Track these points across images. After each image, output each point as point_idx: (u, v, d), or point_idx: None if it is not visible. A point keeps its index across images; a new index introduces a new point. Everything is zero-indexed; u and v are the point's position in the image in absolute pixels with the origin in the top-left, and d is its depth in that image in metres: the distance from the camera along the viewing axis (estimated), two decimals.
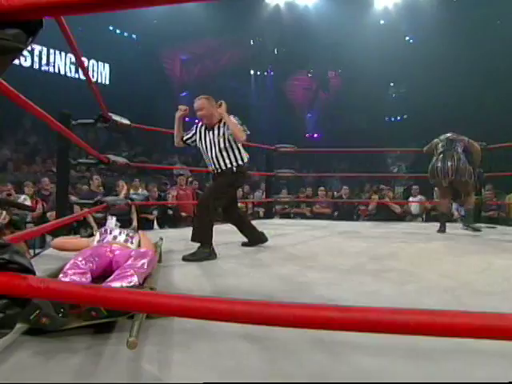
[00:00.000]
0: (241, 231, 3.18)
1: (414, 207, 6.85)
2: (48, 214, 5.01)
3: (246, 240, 3.21)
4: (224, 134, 2.85)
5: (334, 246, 3.34)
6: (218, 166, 2.88)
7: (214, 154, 2.87)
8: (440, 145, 4.23)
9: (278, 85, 16.36)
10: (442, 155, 4.15)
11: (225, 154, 2.85)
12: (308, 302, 1.78)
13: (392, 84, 15.35)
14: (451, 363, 1.18)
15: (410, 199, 7.01)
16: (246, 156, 2.94)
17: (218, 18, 13.21)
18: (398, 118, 15.38)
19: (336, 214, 6.85)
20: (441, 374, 1.12)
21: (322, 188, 7.16)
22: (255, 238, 3.19)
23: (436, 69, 12.01)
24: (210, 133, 2.88)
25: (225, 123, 2.86)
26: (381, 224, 5.36)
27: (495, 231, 4.61)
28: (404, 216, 6.59)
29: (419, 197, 6.90)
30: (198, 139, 2.98)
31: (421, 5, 13.02)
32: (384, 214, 6.16)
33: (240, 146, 2.91)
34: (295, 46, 14.62)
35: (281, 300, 1.71)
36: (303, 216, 6.95)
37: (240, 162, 2.88)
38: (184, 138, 3.07)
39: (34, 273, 0.61)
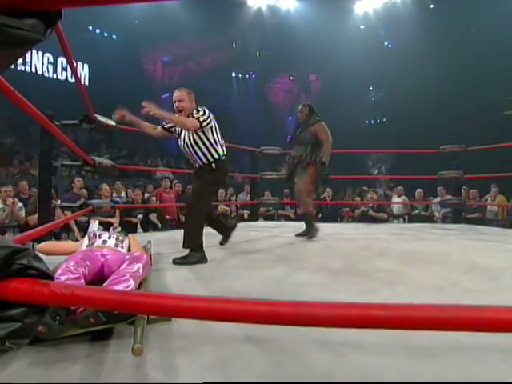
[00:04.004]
0: (212, 227, 3.16)
1: (396, 208, 6.98)
2: (28, 218, 4.85)
3: (220, 237, 3.24)
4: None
5: (322, 248, 3.35)
6: (197, 160, 2.81)
7: (189, 149, 2.79)
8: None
9: (260, 87, 16.40)
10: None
11: (197, 149, 2.76)
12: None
13: (371, 88, 15.63)
14: (452, 360, 1.20)
15: (394, 199, 7.13)
16: (221, 150, 2.81)
17: (199, 20, 13.14)
18: (378, 121, 15.67)
19: (320, 215, 6.90)
20: (442, 371, 1.14)
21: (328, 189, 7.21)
22: (227, 229, 3.23)
23: (414, 73, 12.31)
24: (184, 130, 2.80)
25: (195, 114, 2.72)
26: (365, 225, 5.43)
27: (474, 231, 4.74)
28: (387, 217, 6.70)
29: (403, 197, 7.03)
30: (178, 138, 2.88)
31: (399, 11, 13.33)
32: (368, 218, 6.26)
33: (212, 139, 2.76)
34: (277, 49, 14.70)
35: None
36: (287, 218, 6.97)
37: (216, 156, 2.77)
38: (166, 126, 2.89)
39: (52, 278, 0.58)
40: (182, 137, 2.83)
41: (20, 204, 4.91)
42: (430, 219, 6.53)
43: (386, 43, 14.63)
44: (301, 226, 5.26)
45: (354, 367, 1.15)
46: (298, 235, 3.87)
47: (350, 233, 4.53)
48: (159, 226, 5.83)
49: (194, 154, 2.79)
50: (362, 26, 14.33)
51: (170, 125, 2.89)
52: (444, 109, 11.51)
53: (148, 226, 5.83)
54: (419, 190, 6.94)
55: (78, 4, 0.58)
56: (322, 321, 0.58)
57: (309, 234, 3.78)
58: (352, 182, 9.61)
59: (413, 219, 6.57)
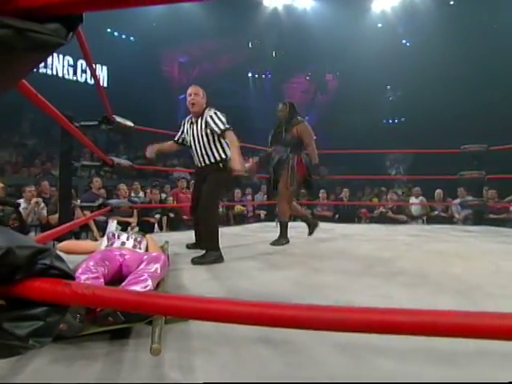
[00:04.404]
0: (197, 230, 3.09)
1: (415, 209, 6.86)
2: (49, 218, 4.96)
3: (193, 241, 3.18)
4: (207, 126, 2.78)
5: (340, 249, 3.32)
6: (202, 160, 2.83)
7: (198, 147, 2.83)
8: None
9: (276, 87, 16.37)
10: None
11: (208, 146, 2.79)
12: (322, 304, 1.76)
13: (389, 87, 15.41)
14: (476, 367, 1.16)
15: (412, 200, 7.01)
16: (229, 150, 2.82)
17: (216, 21, 13.22)
18: (395, 120, 15.44)
19: (337, 216, 6.84)
20: (467, 379, 1.10)
21: (322, 190, 7.15)
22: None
23: (432, 72, 12.08)
24: (194, 126, 2.85)
25: (208, 112, 2.79)
26: (383, 226, 5.36)
27: (497, 234, 4.61)
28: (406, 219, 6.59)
29: (421, 197, 6.91)
30: (185, 134, 2.97)
31: (418, 8, 13.11)
32: (387, 219, 6.16)
33: (222, 140, 2.81)
34: (293, 49, 14.66)
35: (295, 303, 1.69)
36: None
37: (223, 156, 2.80)
38: (176, 139, 3.08)
39: (73, 278, 0.59)
40: (192, 134, 2.86)
41: (42, 204, 5.03)
42: (449, 221, 6.39)
43: (403, 41, 14.41)
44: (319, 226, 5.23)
45: (373, 371, 1.13)
46: (273, 244, 3.49)
47: (367, 234, 4.47)
48: (176, 225, 5.88)
49: (204, 152, 2.81)
50: (379, 25, 14.16)
51: (181, 138, 3.04)
52: (464, 107, 11.26)
53: (166, 227, 5.89)
54: (439, 191, 6.80)
55: (99, 8, 0.59)
56: (341, 326, 0.57)
57: (277, 242, 3.48)
58: (370, 183, 9.49)
59: (432, 220, 6.44)
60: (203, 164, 2.84)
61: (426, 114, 12.11)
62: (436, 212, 6.78)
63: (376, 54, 13.20)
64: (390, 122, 15.59)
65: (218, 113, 2.80)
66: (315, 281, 2.17)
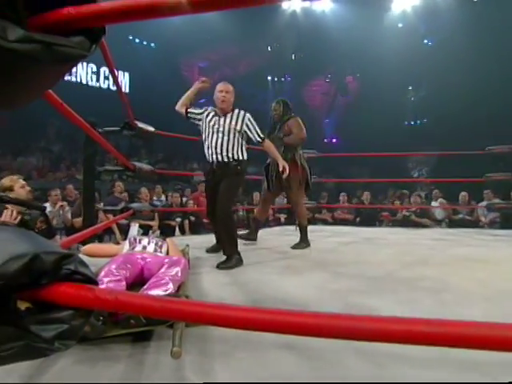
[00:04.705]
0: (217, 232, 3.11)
1: (438, 212, 6.69)
2: (73, 221, 5.09)
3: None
4: (237, 123, 2.77)
5: (362, 253, 3.27)
6: (220, 155, 2.77)
7: (220, 142, 2.76)
8: None
9: (296, 90, 16.34)
10: None
11: (230, 145, 2.76)
12: (342, 310, 1.74)
13: (411, 88, 15.14)
14: (502, 376, 1.12)
15: (432, 203, 6.85)
16: (246, 153, 2.85)
17: (235, 25, 13.33)
18: (418, 121, 15.14)
19: (358, 219, 6.75)
20: None
21: (343, 194, 7.07)
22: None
23: (455, 71, 11.79)
24: (220, 120, 2.79)
25: (239, 113, 2.81)
26: (406, 230, 5.25)
27: None
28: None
29: (440, 200, 6.73)
30: (205, 122, 2.86)
31: (440, 6, 12.83)
32: (410, 223, 6.03)
33: (243, 140, 2.82)
34: (313, 52, 14.61)
35: (316, 309, 1.68)
36: (325, 222, 6.88)
37: (241, 157, 2.79)
38: (189, 110, 2.95)
39: (97, 283, 0.60)
40: (220, 126, 2.78)
41: (67, 207, 5.17)
42: (475, 224, 6.19)
43: (425, 41, 14.14)
44: (339, 230, 5.19)
45: (395, 379, 1.10)
46: (294, 247, 3.45)
47: (389, 238, 4.40)
48: (196, 229, 5.93)
49: (225, 148, 2.76)
50: (400, 25, 13.95)
51: (193, 115, 2.95)
52: (488, 107, 10.94)
53: (187, 230, 5.95)
54: (464, 194, 6.60)
55: (122, 20, 0.61)
56: (364, 335, 0.56)
57: (299, 246, 3.45)
58: (392, 185, 9.33)
59: (456, 224, 6.26)
60: (220, 159, 2.77)
61: (450, 115, 11.82)
62: (460, 215, 6.58)
63: (397, 55, 13.01)
64: (413, 123, 15.31)
65: (252, 119, 2.84)
66: (337, 286, 2.15)
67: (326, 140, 16.57)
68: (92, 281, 0.59)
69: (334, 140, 16.59)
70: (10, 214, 2.11)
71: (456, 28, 11.97)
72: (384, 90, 13.68)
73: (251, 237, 3.62)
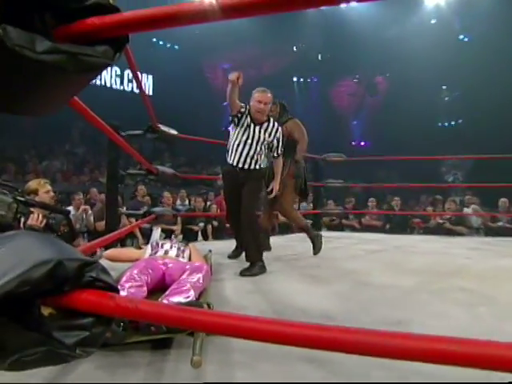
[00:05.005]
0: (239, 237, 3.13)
1: (474, 219, 6.47)
2: (96, 224, 5.24)
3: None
4: (270, 135, 2.85)
5: (391, 262, 3.21)
6: (245, 162, 2.81)
7: (247, 149, 2.82)
8: None
9: (323, 92, 16.27)
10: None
11: (258, 155, 2.84)
12: (370, 322, 1.71)
13: (445, 87, 14.77)
14: None
15: (465, 210, 6.62)
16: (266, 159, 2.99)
17: (259, 25, 13.43)
18: (452, 122, 14.74)
19: (388, 226, 6.62)
20: None
21: (372, 199, 6.96)
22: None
23: (493, 68, 11.41)
24: (253, 128, 2.83)
25: (273, 126, 2.87)
26: (439, 238, 5.11)
27: None
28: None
29: (473, 206, 6.51)
30: (239, 125, 2.84)
31: (476, 0, 12.47)
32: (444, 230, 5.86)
33: (266, 152, 2.93)
34: (340, 51, 14.50)
35: (341, 321, 1.66)
36: (352, 228, 6.79)
37: (262, 165, 2.91)
38: (241, 110, 2.82)
39: (118, 291, 0.62)
40: (250, 133, 2.82)
41: (90, 211, 5.34)
42: None
43: (461, 36, 13.76)
44: (367, 237, 5.11)
45: None
46: (314, 253, 3.38)
47: (421, 246, 4.29)
48: (219, 234, 5.98)
49: (251, 156, 2.82)
50: (433, 21, 13.65)
51: (240, 115, 2.83)
52: None
53: (209, 235, 6.01)
54: (504, 200, 6.36)
55: (145, 29, 0.63)
56: (389, 352, 0.55)
57: (316, 247, 3.37)
58: (424, 191, 9.12)
59: (495, 232, 6.03)
60: (245, 166, 2.82)
61: (486, 115, 11.43)
62: (500, 223, 6.34)
63: (430, 52, 12.72)
64: (446, 124, 14.91)
65: (282, 134, 2.94)
66: (363, 296, 2.11)
67: (353, 143, 16.40)
68: (113, 288, 0.61)
69: (363, 143, 16.39)
70: (37, 217, 2.19)
71: (494, 22, 11.59)
72: (415, 90, 13.40)
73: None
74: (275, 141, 2.90)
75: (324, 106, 16.14)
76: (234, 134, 2.90)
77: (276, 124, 2.92)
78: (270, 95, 2.83)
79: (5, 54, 0.51)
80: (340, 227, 6.74)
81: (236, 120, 2.85)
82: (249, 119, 2.85)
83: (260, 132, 2.84)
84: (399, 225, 6.61)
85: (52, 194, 2.79)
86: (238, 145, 2.85)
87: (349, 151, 12.13)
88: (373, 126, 15.60)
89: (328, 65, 15.21)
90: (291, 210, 3.54)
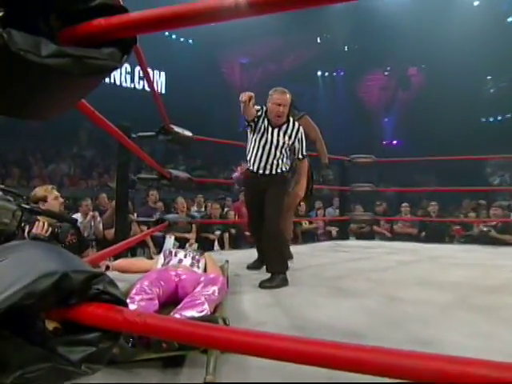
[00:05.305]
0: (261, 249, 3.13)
1: None
2: (105, 232, 5.35)
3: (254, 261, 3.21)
4: (290, 138, 2.86)
5: (427, 274, 3.16)
6: (266, 167, 2.84)
7: (266, 153, 2.84)
8: None
9: (350, 86, 16.17)
10: None
11: (279, 160, 2.85)
12: (401, 341, 1.68)
13: (489, 77, 14.44)
14: None
15: None
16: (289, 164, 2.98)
17: (279, 16, 13.44)
18: (498, 117, 14.40)
19: (423, 234, 6.51)
20: None
21: (405, 204, 6.85)
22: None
23: None
24: (275, 130, 2.86)
25: (293, 127, 2.88)
26: (483, 248, 4.99)
27: None
28: None
29: None
30: (256, 128, 2.87)
31: None
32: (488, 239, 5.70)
33: (289, 153, 2.93)
34: (369, 41, 14.39)
35: (369, 340, 1.65)
36: (383, 237, 6.71)
37: (288, 167, 2.93)
38: (257, 114, 2.84)
39: (126, 304, 0.65)
40: (269, 136, 2.84)
41: (99, 218, 5.45)
42: None
43: (509, 19, 13.41)
44: (400, 246, 5.03)
45: None
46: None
47: (461, 257, 4.20)
48: (237, 243, 6.01)
49: (272, 160, 2.84)
50: (475, 3, 13.38)
51: (256, 118, 2.85)
52: None
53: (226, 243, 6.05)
54: None
55: (154, 30, 0.65)
56: (420, 375, 0.54)
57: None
58: (465, 195, 8.91)
59: None
60: (268, 173, 2.86)
61: None
62: None
63: (472, 39, 12.46)
64: (491, 119, 14.60)
65: (303, 134, 2.93)
66: (394, 312, 2.09)
67: (385, 142, 16.23)
68: (121, 302, 0.63)
69: (395, 142, 16.21)
70: (42, 226, 2.27)
71: None
72: (455, 82, 13.16)
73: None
74: (296, 142, 2.91)
75: (351, 101, 16.04)
76: (252, 139, 2.94)
77: (296, 124, 2.93)
78: (288, 96, 2.84)
79: (9, 58, 0.54)
80: (370, 235, 6.67)
81: (252, 125, 2.88)
82: (266, 122, 2.86)
83: (279, 135, 2.85)
84: (436, 233, 6.48)
85: (61, 200, 2.89)
86: (257, 151, 2.89)
87: (379, 151, 12.02)
88: (406, 123, 15.38)
89: (355, 56, 15.10)
90: (289, 215, 3.42)
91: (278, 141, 2.85)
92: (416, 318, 1.99)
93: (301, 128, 2.93)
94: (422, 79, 15.33)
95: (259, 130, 2.87)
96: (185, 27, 0.64)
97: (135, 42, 0.65)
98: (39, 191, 2.84)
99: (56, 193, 2.86)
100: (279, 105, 2.79)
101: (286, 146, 2.86)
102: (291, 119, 2.93)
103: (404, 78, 15.56)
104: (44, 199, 2.79)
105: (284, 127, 2.88)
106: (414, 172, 12.70)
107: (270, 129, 2.86)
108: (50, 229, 2.38)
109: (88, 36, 0.60)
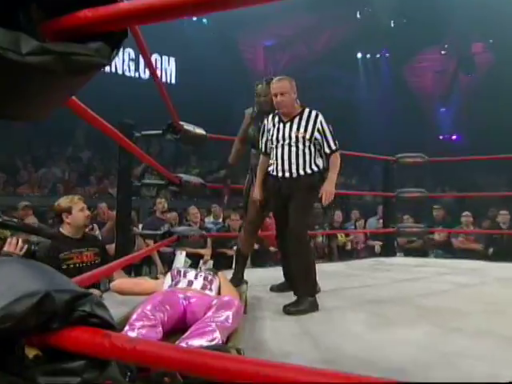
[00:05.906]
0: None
1: None
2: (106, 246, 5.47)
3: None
4: (306, 130, 2.86)
5: (493, 300, 3.12)
6: (287, 169, 2.87)
7: (287, 154, 2.87)
8: None
9: (397, 70, 16.00)
10: None
11: (301, 159, 2.86)
12: (455, 379, 1.67)
13: None
14: None
15: None
16: (321, 161, 2.95)
17: None
18: None
19: (491, 251, 6.37)
20: None
21: (467, 213, 6.73)
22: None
23: None
24: (287, 126, 2.90)
25: (308, 116, 2.88)
26: None
27: None
28: None
29: None
30: (268, 130, 3.00)
31: None
32: None
33: (317, 149, 2.92)
34: (420, 14, 14.20)
35: (417, 377, 1.64)
36: (438, 253, 6.60)
37: (315, 168, 2.90)
38: (264, 150, 3.08)
39: (115, 328, 0.69)
40: (285, 134, 2.89)
41: (98, 231, 5.58)
42: None
43: None
44: (460, 264, 4.95)
45: None
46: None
47: None
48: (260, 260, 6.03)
49: (294, 160, 2.86)
50: None
51: (269, 148, 3.03)
52: None
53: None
54: None
55: (146, 21, 0.69)
56: None
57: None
58: None
59: None
60: (288, 176, 2.88)
61: None
62: None
63: None
64: None
65: (325, 123, 2.91)
66: (449, 346, 2.09)
67: (441, 137, 15.98)
68: (110, 325, 0.67)
69: (454, 137, 15.96)
70: (16, 243, 2.34)
71: None
72: None
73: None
74: (317, 134, 2.88)
75: (399, 88, 15.87)
76: (268, 140, 3.04)
77: (313, 113, 2.91)
78: (288, 81, 2.88)
79: None
80: (422, 251, 6.58)
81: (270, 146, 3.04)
82: (277, 119, 2.96)
83: (291, 129, 2.89)
84: (507, 249, 6.34)
85: (88, 212, 2.99)
86: (274, 150, 2.96)
87: (435, 148, 11.85)
88: (469, 114, 15.10)
89: (404, 34, 14.89)
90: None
91: (290, 136, 2.88)
92: (476, 353, 1.99)
93: (319, 116, 2.90)
94: (489, 58, 14.99)
95: (271, 131, 2.97)
96: (182, 18, 0.68)
97: (126, 36, 0.68)
98: (63, 202, 2.94)
99: (83, 204, 2.96)
100: (277, 95, 2.85)
101: (303, 140, 2.86)
102: (307, 109, 2.92)
103: (466, 57, 15.25)
104: (68, 211, 2.89)
105: (296, 119, 2.90)
106: (477, 173, 12.44)
107: (281, 125, 2.93)
108: (26, 246, 2.43)
109: (73, 29, 0.64)
